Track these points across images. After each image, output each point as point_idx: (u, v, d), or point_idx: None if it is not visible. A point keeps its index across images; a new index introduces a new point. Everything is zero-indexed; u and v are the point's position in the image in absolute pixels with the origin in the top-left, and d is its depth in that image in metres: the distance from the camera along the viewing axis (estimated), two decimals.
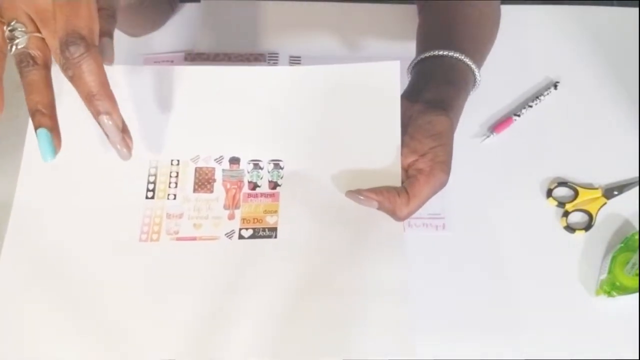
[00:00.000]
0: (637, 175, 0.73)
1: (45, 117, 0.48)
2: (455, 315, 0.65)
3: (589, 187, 0.72)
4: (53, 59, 0.50)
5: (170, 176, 0.60)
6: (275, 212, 0.59)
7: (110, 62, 0.51)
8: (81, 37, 0.46)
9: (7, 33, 0.48)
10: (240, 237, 0.58)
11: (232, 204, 0.59)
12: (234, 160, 0.61)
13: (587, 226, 0.70)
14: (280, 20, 0.84)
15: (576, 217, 0.71)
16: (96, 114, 0.48)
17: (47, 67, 0.49)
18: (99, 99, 0.47)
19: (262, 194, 0.60)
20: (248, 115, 0.61)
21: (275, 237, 0.57)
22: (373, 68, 0.61)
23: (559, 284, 0.67)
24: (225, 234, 0.58)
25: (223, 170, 0.61)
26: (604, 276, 0.66)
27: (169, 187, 0.60)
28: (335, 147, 0.60)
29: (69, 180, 0.59)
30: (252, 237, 0.58)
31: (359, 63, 0.61)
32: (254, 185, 0.60)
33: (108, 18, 0.51)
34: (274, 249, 0.57)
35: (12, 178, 0.60)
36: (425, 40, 0.70)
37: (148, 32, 0.83)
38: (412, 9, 0.82)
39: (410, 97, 0.62)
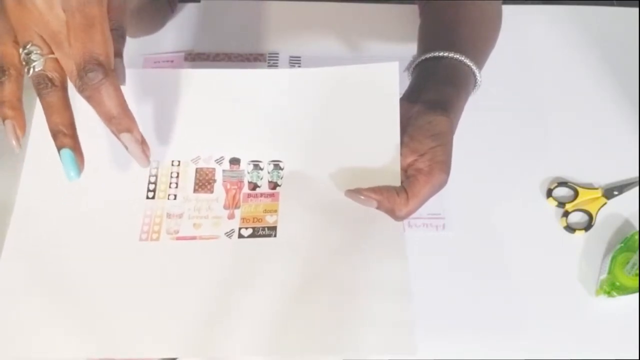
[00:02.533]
0: (637, 175, 0.73)
1: (67, 137, 0.50)
2: (455, 315, 0.65)
3: (589, 187, 0.72)
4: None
5: (171, 177, 0.61)
6: (275, 211, 0.59)
7: (123, 83, 0.52)
8: (99, 63, 0.47)
9: (23, 56, 0.49)
10: (240, 236, 0.58)
11: (232, 204, 0.60)
12: (234, 161, 0.61)
13: (587, 226, 0.70)
14: (280, 20, 0.84)
15: (576, 217, 0.71)
16: (117, 133, 0.50)
17: (64, 88, 0.50)
18: (120, 119, 0.49)
19: (262, 194, 0.60)
20: (248, 116, 0.62)
21: (275, 236, 0.58)
22: (372, 69, 0.61)
23: (559, 284, 0.67)
24: (225, 233, 0.58)
25: (223, 170, 0.61)
26: (604, 276, 0.66)
27: (170, 187, 0.60)
28: (335, 148, 0.60)
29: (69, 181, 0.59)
30: (251, 236, 0.58)
31: (358, 64, 0.62)
32: (254, 186, 0.60)
33: (119, 38, 0.52)
34: (273, 248, 0.57)
35: (13, 178, 0.60)
36: (426, 40, 0.70)
37: (148, 34, 0.83)
38: (412, 9, 0.82)
39: (410, 97, 0.62)
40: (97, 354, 0.54)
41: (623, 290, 0.64)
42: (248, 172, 0.61)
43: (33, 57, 0.49)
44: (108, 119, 0.49)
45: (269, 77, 0.63)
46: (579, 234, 0.70)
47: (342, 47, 0.82)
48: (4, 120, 0.51)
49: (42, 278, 0.56)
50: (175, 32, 0.83)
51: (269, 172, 0.61)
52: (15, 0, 0.47)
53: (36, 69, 0.49)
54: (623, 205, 0.71)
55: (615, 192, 0.72)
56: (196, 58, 0.81)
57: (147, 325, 0.54)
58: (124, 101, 0.49)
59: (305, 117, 0.61)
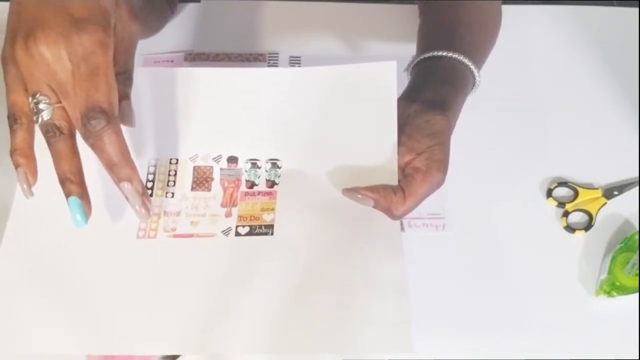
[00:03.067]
0: (637, 175, 0.73)
1: (75, 184, 0.51)
2: (455, 315, 0.65)
3: (589, 187, 0.72)
4: None
5: (169, 175, 0.61)
6: (272, 209, 0.59)
7: (132, 124, 0.54)
8: (102, 110, 0.48)
9: (32, 105, 0.50)
10: (237, 234, 0.58)
11: (230, 202, 0.60)
12: (232, 160, 0.61)
13: (587, 226, 0.70)
14: (280, 20, 0.85)
15: (576, 217, 0.71)
16: (118, 181, 0.51)
17: (72, 136, 0.52)
18: (120, 168, 0.51)
19: (259, 193, 0.60)
20: (246, 115, 0.62)
21: (272, 234, 0.58)
22: (370, 68, 0.61)
23: (559, 284, 0.67)
24: (222, 231, 0.58)
25: (221, 169, 0.61)
26: (604, 276, 0.66)
27: (167, 185, 0.60)
28: (333, 146, 0.60)
29: None
30: (248, 234, 0.58)
31: (356, 64, 0.62)
32: (252, 184, 0.60)
33: (125, 81, 0.54)
34: (270, 246, 0.57)
35: (13, 178, 0.60)
36: (426, 40, 0.70)
37: (147, 36, 0.83)
38: (412, 9, 0.82)
39: (408, 97, 0.62)
40: (96, 351, 0.54)
41: (623, 290, 0.64)
42: (246, 171, 0.61)
43: (41, 106, 0.50)
44: (109, 166, 0.51)
45: (266, 75, 0.63)
46: (579, 234, 0.69)
47: (342, 47, 0.82)
48: (16, 168, 0.52)
49: (40, 276, 0.56)
50: (175, 32, 0.84)
51: (266, 171, 0.61)
52: (24, 51, 0.48)
53: (44, 118, 0.50)
54: (623, 205, 0.71)
55: (615, 192, 0.71)
56: (196, 58, 0.81)
57: (145, 323, 0.54)
58: (126, 149, 0.51)
59: (303, 115, 0.61)
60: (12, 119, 0.51)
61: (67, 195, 0.51)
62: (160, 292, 0.55)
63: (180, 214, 0.59)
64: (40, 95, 0.50)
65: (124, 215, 0.59)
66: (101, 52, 0.49)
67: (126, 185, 0.51)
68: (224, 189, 0.60)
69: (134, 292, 0.55)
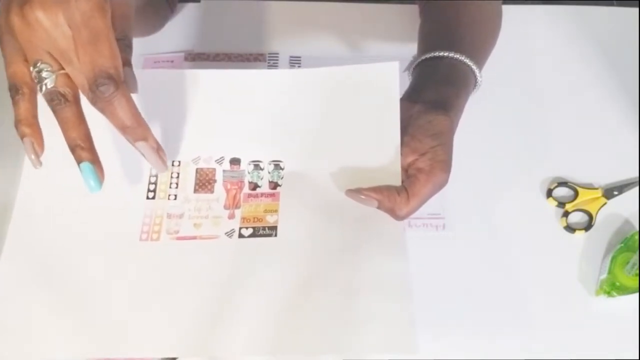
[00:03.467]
0: (637, 175, 0.73)
1: (85, 150, 0.51)
2: (454, 315, 0.65)
3: (589, 187, 0.72)
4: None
5: (171, 177, 0.61)
6: (276, 211, 0.59)
7: (135, 91, 0.54)
8: (109, 76, 0.48)
9: (34, 74, 0.50)
10: (240, 235, 0.58)
11: (233, 204, 0.60)
12: (235, 161, 0.61)
13: (587, 226, 0.70)
14: (280, 20, 0.84)
15: (576, 217, 0.71)
16: (133, 142, 0.51)
17: (77, 102, 0.51)
18: (135, 129, 0.51)
19: (262, 194, 0.60)
20: (249, 116, 0.62)
21: (276, 235, 0.58)
22: (372, 69, 0.61)
23: (559, 284, 0.67)
24: (225, 233, 0.58)
25: (224, 171, 0.61)
26: (604, 276, 0.66)
27: (170, 187, 0.60)
28: (335, 148, 0.60)
29: (71, 180, 0.59)
30: (252, 235, 0.58)
31: (358, 64, 0.62)
32: (255, 186, 0.60)
33: (126, 48, 0.53)
34: (274, 248, 0.57)
35: (13, 178, 0.60)
36: (427, 40, 0.70)
37: (148, 34, 0.83)
38: (412, 9, 0.82)
39: (410, 97, 0.62)
40: (98, 354, 0.54)
41: (623, 290, 0.64)
42: (248, 172, 0.61)
43: (44, 74, 0.49)
44: (123, 129, 0.50)
45: (268, 77, 0.63)
46: (579, 234, 0.70)
47: (342, 47, 0.82)
48: (22, 138, 0.52)
49: (42, 278, 0.56)
50: (175, 32, 0.83)
51: (269, 172, 0.61)
52: (21, 19, 0.47)
53: (48, 86, 0.50)
54: (623, 205, 0.71)
55: (615, 192, 0.72)
56: (196, 58, 0.81)
57: (147, 325, 0.54)
58: (137, 110, 0.51)
59: (306, 117, 0.61)
60: (14, 89, 0.51)
61: (79, 161, 0.51)
62: (163, 295, 0.55)
63: (183, 216, 0.59)
64: (42, 63, 0.49)
65: (127, 218, 0.59)
66: (100, 16, 0.48)
67: (143, 144, 0.52)
68: (227, 191, 0.60)
69: (136, 295, 0.55)
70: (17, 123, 0.51)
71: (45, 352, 0.53)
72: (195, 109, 0.62)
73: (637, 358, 0.63)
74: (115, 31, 0.50)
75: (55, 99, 0.50)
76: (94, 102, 0.49)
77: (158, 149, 0.53)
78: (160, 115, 0.61)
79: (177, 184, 0.60)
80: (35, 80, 0.50)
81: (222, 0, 0.86)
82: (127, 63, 0.52)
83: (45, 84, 0.49)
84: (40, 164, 0.53)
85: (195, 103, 0.62)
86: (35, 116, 0.52)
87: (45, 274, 0.56)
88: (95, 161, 0.51)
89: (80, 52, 0.48)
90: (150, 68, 0.79)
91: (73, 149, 0.51)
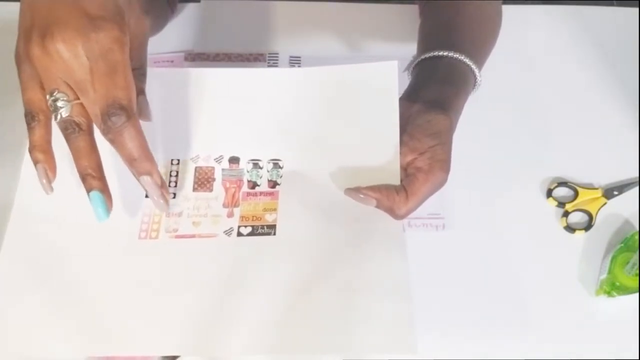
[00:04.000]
0: (637, 175, 0.73)
1: (96, 180, 0.52)
2: (454, 315, 0.65)
3: (589, 187, 0.72)
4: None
5: (170, 175, 0.61)
6: (275, 210, 0.59)
7: (149, 118, 0.56)
8: (122, 107, 0.49)
9: (49, 102, 0.51)
10: (239, 234, 0.58)
11: (232, 202, 0.60)
12: (234, 160, 0.61)
13: (587, 226, 0.70)
14: (280, 20, 0.84)
15: (576, 217, 0.71)
16: (138, 175, 0.53)
17: (91, 132, 0.52)
18: (140, 162, 0.52)
19: (261, 193, 0.60)
20: (248, 115, 0.62)
21: (274, 234, 0.58)
22: (371, 68, 0.61)
23: (559, 284, 0.67)
24: (224, 232, 0.58)
25: (223, 169, 0.61)
26: (604, 276, 0.66)
27: (169, 185, 0.60)
28: (334, 147, 0.60)
29: (70, 179, 0.59)
30: (250, 234, 0.58)
31: (357, 64, 0.62)
32: (254, 184, 0.60)
33: (141, 77, 0.55)
34: (272, 246, 0.57)
35: (13, 178, 0.60)
36: (426, 40, 0.70)
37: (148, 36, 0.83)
38: (412, 9, 0.82)
39: (410, 97, 0.62)
40: (97, 353, 0.54)
41: (623, 290, 0.64)
42: (247, 171, 0.61)
43: (60, 103, 0.50)
44: (130, 161, 0.52)
45: (268, 76, 0.63)
46: (579, 234, 0.69)
47: (342, 47, 0.82)
48: (35, 164, 0.53)
49: (41, 277, 0.56)
50: (175, 32, 0.83)
51: (268, 171, 0.61)
52: (41, 48, 0.48)
53: (63, 115, 0.51)
54: (623, 205, 0.71)
55: (615, 192, 0.71)
56: (196, 58, 0.81)
57: (147, 324, 0.54)
58: (146, 144, 0.52)
59: (305, 116, 0.61)
60: (30, 116, 0.52)
61: (89, 190, 0.52)
62: (162, 293, 0.55)
63: (182, 215, 0.59)
64: (58, 92, 0.50)
65: (126, 217, 0.59)
66: (118, 49, 0.49)
67: (147, 178, 0.53)
68: (226, 190, 0.60)
69: (135, 293, 0.55)
70: (32, 149, 0.52)
71: (45, 351, 0.53)
72: (194, 107, 0.62)
73: (637, 358, 0.63)
74: (131, 61, 0.51)
75: (69, 128, 0.51)
76: (105, 132, 0.50)
77: (162, 187, 0.54)
78: (160, 113, 0.61)
79: (176, 182, 0.61)
80: (51, 109, 0.51)
81: (222, 0, 0.86)
82: (141, 92, 0.54)
83: (61, 113, 0.50)
84: (52, 190, 0.54)
85: (194, 101, 0.62)
86: (49, 142, 0.53)
87: (43, 273, 0.56)
88: (105, 190, 0.53)
89: (96, 83, 0.49)
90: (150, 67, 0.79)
91: (84, 177, 0.52)
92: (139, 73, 0.55)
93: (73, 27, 0.48)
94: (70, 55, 0.48)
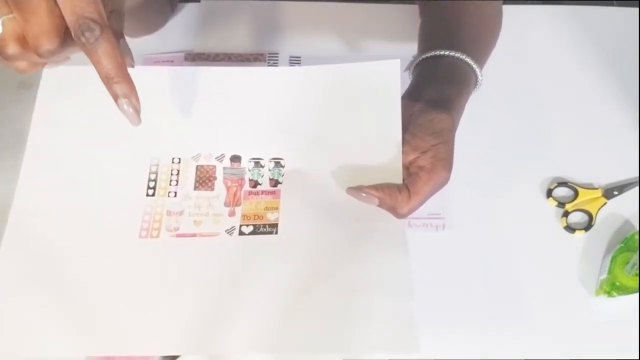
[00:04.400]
0: (637, 175, 0.73)
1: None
2: (454, 315, 0.65)
3: (589, 187, 0.72)
4: None
5: (171, 174, 0.61)
6: (276, 209, 0.59)
7: (132, 64, 0.51)
8: (93, 20, 0.44)
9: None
10: (241, 233, 0.58)
11: (233, 201, 0.60)
12: (235, 159, 0.61)
13: (587, 226, 0.70)
14: (280, 20, 0.84)
15: (576, 217, 0.71)
16: (115, 98, 0.48)
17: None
18: (117, 82, 0.47)
19: (263, 192, 0.60)
20: (249, 114, 0.62)
21: (276, 233, 0.57)
22: (373, 67, 0.61)
23: (559, 284, 0.67)
24: (226, 230, 0.58)
25: (224, 168, 0.61)
26: (604, 276, 0.66)
27: (170, 184, 0.60)
28: (336, 145, 0.60)
29: (71, 176, 0.59)
30: (252, 233, 0.58)
31: (359, 62, 0.62)
32: (255, 183, 0.60)
33: (119, 18, 0.50)
34: (274, 245, 0.57)
35: (13, 176, 0.60)
36: (427, 40, 0.70)
37: (148, 33, 0.83)
38: (412, 9, 0.82)
39: (411, 96, 0.62)
40: (97, 352, 0.54)
41: (623, 290, 0.64)
42: (249, 170, 0.61)
43: None
44: (107, 80, 0.47)
45: (269, 74, 0.63)
46: (579, 234, 0.70)
47: (342, 47, 0.82)
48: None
49: (41, 275, 0.56)
50: (175, 32, 0.83)
51: (270, 170, 0.61)
52: None
53: None
54: (623, 205, 0.71)
55: (615, 192, 0.72)
56: (196, 58, 0.81)
57: (147, 323, 0.54)
58: (123, 62, 0.47)
59: (307, 114, 0.61)
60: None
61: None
62: (163, 292, 0.55)
63: (183, 214, 0.59)
64: None
65: (126, 215, 0.58)
66: None
67: (124, 102, 0.48)
68: (227, 188, 0.60)
69: (136, 292, 0.55)
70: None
71: (43, 350, 0.53)
72: (196, 106, 0.61)
73: (637, 358, 0.63)
74: (106, 5, 0.47)
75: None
76: (81, 48, 0.45)
77: (136, 104, 0.49)
78: (161, 112, 0.61)
79: (177, 181, 0.60)
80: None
81: (222, 0, 0.86)
82: (121, 35, 0.50)
83: None
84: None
85: (196, 100, 0.62)
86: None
87: (43, 271, 0.56)
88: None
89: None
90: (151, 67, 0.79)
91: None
92: (117, 15, 0.50)
93: None
94: None
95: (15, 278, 0.56)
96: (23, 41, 0.46)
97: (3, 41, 0.46)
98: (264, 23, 0.84)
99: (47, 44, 0.45)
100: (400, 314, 0.52)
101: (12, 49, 0.46)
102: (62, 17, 0.45)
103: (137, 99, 0.49)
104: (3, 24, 0.45)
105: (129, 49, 0.51)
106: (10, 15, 0.45)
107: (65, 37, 0.46)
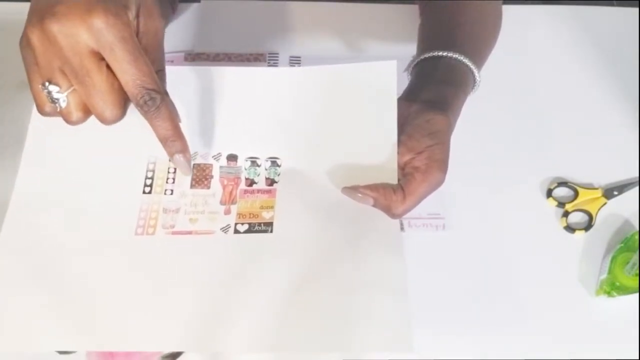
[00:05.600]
0: (637, 175, 0.73)
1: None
2: (454, 315, 0.65)
3: (589, 187, 0.72)
4: None
5: (168, 172, 0.61)
6: (272, 207, 0.59)
7: (180, 120, 0.55)
8: (153, 90, 0.50)
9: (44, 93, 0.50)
10: (236, 231, 0.58)
11: (229, 199, 0.60)
12: (232, 157, 0.61)
13: (587, 226, 0.70)
14: (280, 20, 0.85)
15: (576, 217, 0.71)
16: (171, 154, 0.54)
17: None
18: (174, 141, 0.53)
19: (259, 190, 0.60)
20: (246, 113, 0.62)
21: (271, 231, 0.58)
22: (370, 67, 0.61)
23: (559, 284, 0.67)
24: (221, 229, 0.58)
25: (221, 167, 0.61)
26: (604, 276, 0.65)
27: (167, 182, 0.60)
28: (332, 145, 0.60)
29: (68, 174, 0.59)
30: (247, 231, 0.58)
31: (356, 63, 0.62)
32: (251, 182, 0.60)
33: (163, 77, 0.55)
34: (269, 244, 0.57)
35: (12, 175, 0.60)
36: (426, 40, 0.70)
37: None
38: (412, 9, 0.82)
39: (409, 97, 0.62)
40: (94, 348, 0.54)
41: (623, 290, 0.64)
42: (245, 169, 0.61)
43: (55, 95, 0.50)
44: (163, 140, 0.53)
45: (267, 74, 0.63)
46: (579, 234, 0.69)
47: (342, 47, 0.82)
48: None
49: (38, 272, 0.56)
50: (175, 32, 0.83)
51: (266, 169, 0.61)
52: (40, 31, 0.47)
53: (62, 106, 0.50)
54: (623, 205, 0.71)
55: (615, 192, 0.71)
56: (196, 58, 0.81)
57: (143, 320, 0.54)
58: (177, 123, 0.53)
59: (303, 114, 0.61)
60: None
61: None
62: (159, 289, 0.55)
63: (179, 211, 0.59)
64: (50, 84, 0.49)
65: (123, 212, 0.59)
66: (130, 35, 0.48)
67: (179, 157, 0.54)
68: (224, 187, 0.60)
69: (132, 289, 0.55)
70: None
71: (41, 345, 0.53)
72: (193, 105, 0.62)
73: (637, 358, 0.63)
74: (153, 64, 0.51)
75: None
76: (142, 114, 0.51)
77: (189, 157, 0.56)
78: None
79: (173, 179, 0.61)
80: (48, 100, 0.50)
81: (222, 0, 0.86)
82: (165, 93, 0.53)
83: (59, 104, 0.50)
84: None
85: (192, 99, 0.62)
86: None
87: (40, 267, 0.56)
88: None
89: (117, 69, 0.48)
90: None
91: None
92: (162, 74, 0.54)
93: (76, 9, 0.46)
94: (71, 40, 0.46)
95: (12, 273, 0.56)
96: (86, 108, 0.51)
97: (68, 112, 0.51)
98: (264, 23, 0.84)
99: (112, 116, 0.51)
100: (395, 313, 0.52)
101: (76, 117, 0.51)
102: (122, 90, 0.50)
103: (189, 153, 0.55)
104: (67, 97, 0.50)
105: (174, 104, 0.54)
106: (72, 89, 0.50)
107: (125, 101, 0.51)
